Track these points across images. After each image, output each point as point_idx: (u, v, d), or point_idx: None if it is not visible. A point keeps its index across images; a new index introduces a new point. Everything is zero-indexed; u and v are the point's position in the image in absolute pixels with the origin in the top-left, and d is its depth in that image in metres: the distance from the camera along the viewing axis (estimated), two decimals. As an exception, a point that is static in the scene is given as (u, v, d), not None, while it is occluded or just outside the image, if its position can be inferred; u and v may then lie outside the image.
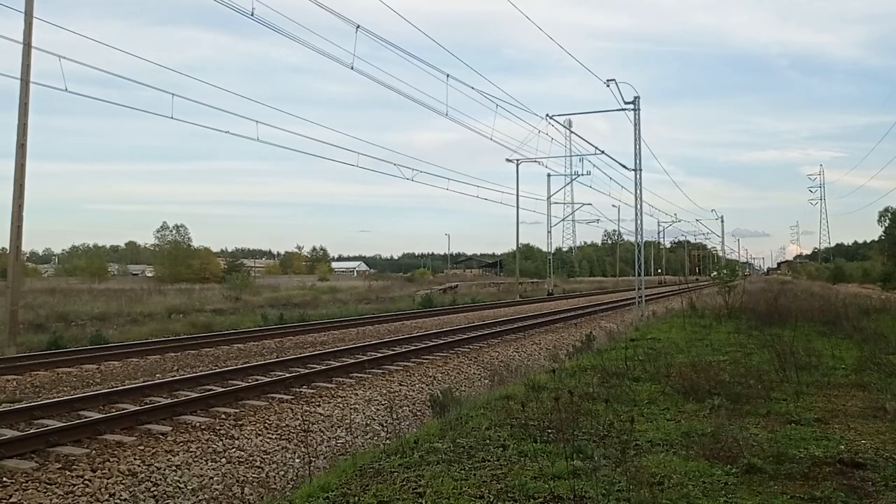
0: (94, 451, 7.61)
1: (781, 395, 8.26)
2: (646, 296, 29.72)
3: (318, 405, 10.49)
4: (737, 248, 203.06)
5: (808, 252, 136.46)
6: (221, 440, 8.47)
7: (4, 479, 6.69)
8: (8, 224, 16.96)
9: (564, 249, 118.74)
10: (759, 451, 5.67)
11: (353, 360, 14.13)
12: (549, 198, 54.07)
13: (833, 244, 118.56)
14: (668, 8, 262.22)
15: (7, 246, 19.07)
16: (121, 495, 6.79)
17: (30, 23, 16.66)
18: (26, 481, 6.67)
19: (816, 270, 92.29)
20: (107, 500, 6.67)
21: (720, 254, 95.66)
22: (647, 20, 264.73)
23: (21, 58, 16.68)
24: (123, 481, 7.01)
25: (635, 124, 27.81)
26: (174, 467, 7.52)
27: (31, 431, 8.14)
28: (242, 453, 8.29)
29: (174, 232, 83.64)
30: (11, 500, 6.28)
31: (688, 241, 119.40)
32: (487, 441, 6.29)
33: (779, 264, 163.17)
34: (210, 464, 7.83)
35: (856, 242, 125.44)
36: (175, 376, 12.77)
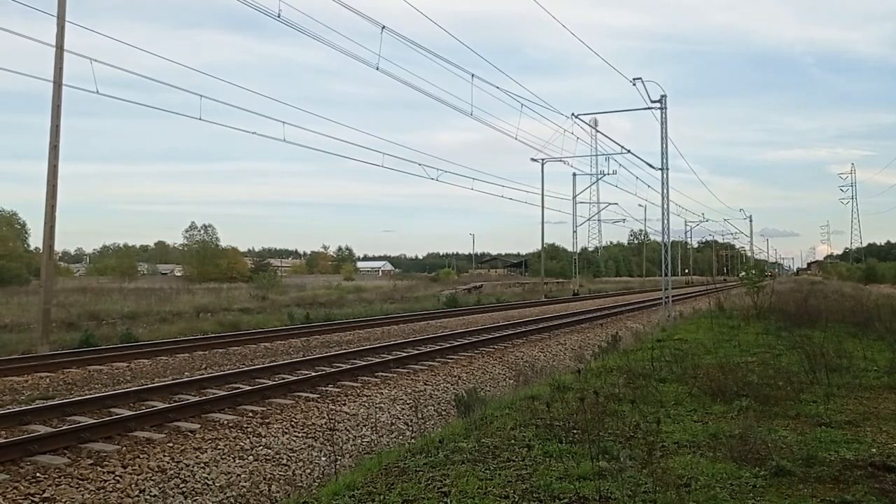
0: (124, 448, 7.75)
1: (811, 396, 8.12)
2: (673, 296, 29.46)
3: (344, 404, 10.56)
4: (765, 248, 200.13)
5: (839, 252, 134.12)
6: (249, 438, 8.57)
7: (38, 474, 6.84)
8: (41, 224, 17.29)
9: (590, 249, 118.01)
10: (788, 454, 5.60)
11: (378, 360, 14.19)
12: (574, 197, 53.78)
13: (865, 244, 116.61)
14: (689, 6, 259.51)
15: (40, 246, 19.48)
16: (150, 491, 6.89)
17: (62, 26, 16.94)
18: (59, 477, 6.80)
19: (847, 271, 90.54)
20: (137, 495, 6.78)
21: (748, 254, 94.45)
22: (667, 19, 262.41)
23: (53, 61, 16.96)
24: (153, 477, 7.12)
25: (662, 123, 27.58)
26: (202, 464, 7.62)
27: (64, 428, 8.29)
28: (269, 451, 8.37)
29: (202, 232, 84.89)
30: (45, 494, 6.42)
31: (715, 241, 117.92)
32: (512, 441, 6.28)
33: (809, 264, 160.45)
34: (237, 461, 7.92)
35: (888, 242, 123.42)
36: (203, 374, 12.95)
